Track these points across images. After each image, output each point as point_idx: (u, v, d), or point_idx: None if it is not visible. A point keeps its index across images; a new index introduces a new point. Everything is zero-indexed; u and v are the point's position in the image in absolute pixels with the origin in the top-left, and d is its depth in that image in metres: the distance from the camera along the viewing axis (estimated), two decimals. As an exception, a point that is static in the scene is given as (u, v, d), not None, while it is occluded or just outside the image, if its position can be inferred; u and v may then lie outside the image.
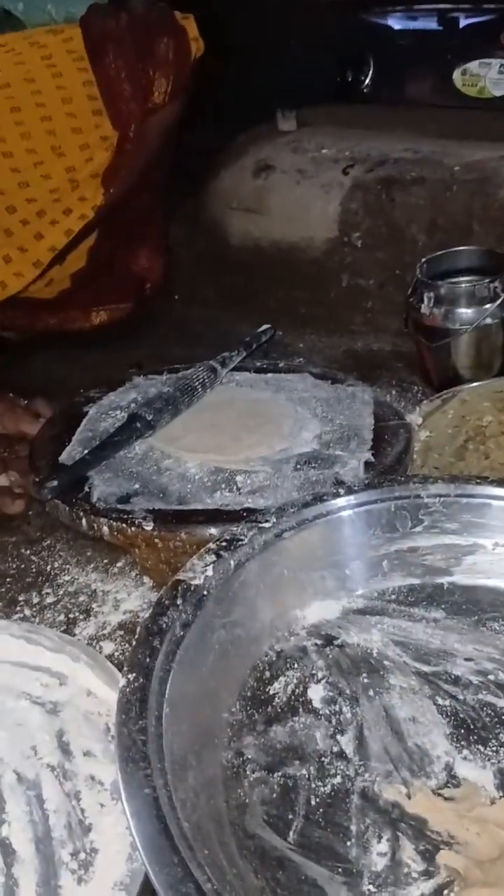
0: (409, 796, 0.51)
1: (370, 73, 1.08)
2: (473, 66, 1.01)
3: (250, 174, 1.11)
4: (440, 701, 0.57)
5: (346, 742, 0.54)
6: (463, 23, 1.03)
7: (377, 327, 1.05)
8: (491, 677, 0.59)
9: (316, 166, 1.07)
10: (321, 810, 0.50)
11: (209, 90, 0.97)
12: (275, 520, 0.63)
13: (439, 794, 0.51)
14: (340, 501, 0.66)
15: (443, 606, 0.64)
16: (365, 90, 1.08)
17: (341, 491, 0.67)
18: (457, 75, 1.01)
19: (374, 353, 1.05)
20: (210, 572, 0.57)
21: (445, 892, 0.46)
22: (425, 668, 0.60)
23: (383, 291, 1.05)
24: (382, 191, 1.02)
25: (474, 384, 0.89)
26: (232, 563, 0.59)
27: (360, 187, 1.04)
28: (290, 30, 1.16)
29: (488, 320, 0.87)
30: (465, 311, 0.87)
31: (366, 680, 0.58)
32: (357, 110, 1.15)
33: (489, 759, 0.53)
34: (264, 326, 0.96)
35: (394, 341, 1.03)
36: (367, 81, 1.08)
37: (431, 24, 1.05)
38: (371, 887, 0.46)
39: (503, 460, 0.81)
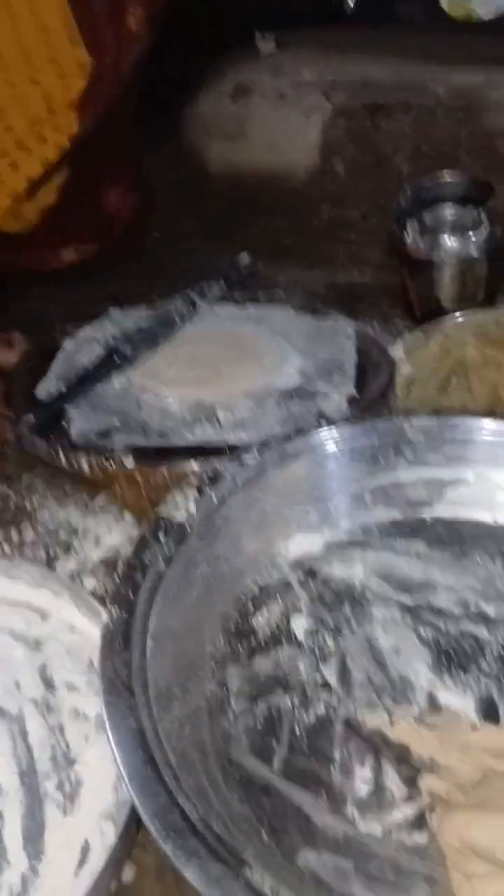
0: (391, 724, 0.52)
1: (353, -8, 1.04)
2: (460, -15, 0.97)
3: (228, 99, 1.07)
4: (422, 631, 0.58)
5: (330, 672, 0.55)
6: None
7: (360, 259, 1.03)
8: (472, 608, 0.59)
9: (297, 90, 1.04)
10: (305, 739, 0.50)
11: (186, 11, 0.93)
12: (258, 455, 0.62)
13: (422, 722, 0.52)
14: (324, 436, 0.65)
15: (425, 539, 0.64)
16: (348, 11, 1.04)
17: (324, 426, 0.66)
18: (443, -5, 0.98)
19: (357, 286, 1.03)
20: (192, 508, 0.57)
21: (427, 815, 0.47)
22: (407, 600, 0.60)
23: (366, 222, 1.03)
24: (366, 117, 0.99)
25: (457, 316, 0.88)
26: (215, 498, 0.58)
27: (343, 113, 1.01)
28: None
29: (472, 251, 0.85)
30: (449, 243, 0.85)
31: (349, 612, 0.59)
32: (340, 32, 1.11)
33: (470, 687, 0.54)
34: (242, 254, 0.93)
35: (377, 274, 1.01)
36: (350, 2, 1.04)
37: None
38: (355, 812, 0.47)
39: (487, 392, 0.81)
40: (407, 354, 0.86)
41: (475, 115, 0.92)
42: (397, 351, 0.85)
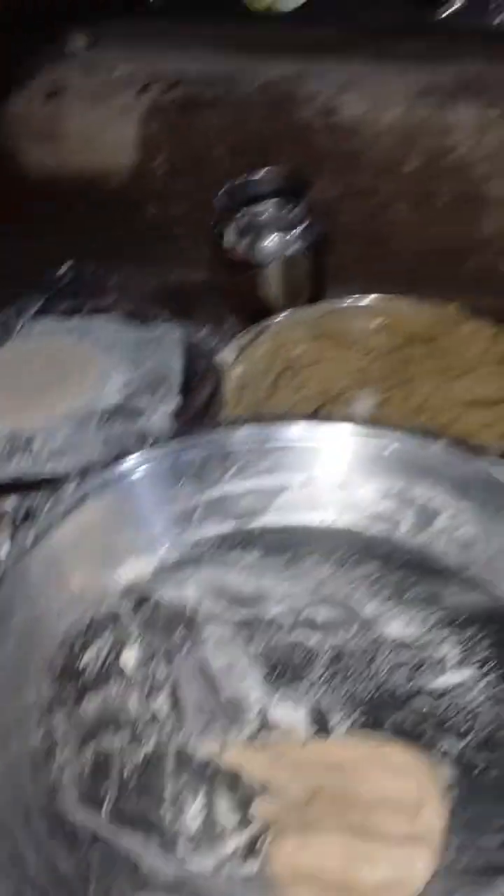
0: (222, 750, 0.52)
1: (157, -16, 1.01)
2: (262, -24, 0.96)
3: (41, 100, 1.03)
4: (253, 647, 0.57)
5: (160, 703, 0.54)
6: None
7: (190, 258, 1.02)
8: (302, 616, 0.60)
9: (110, 88, 1.01)
10: (136, 779, 0.50)
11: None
12: (76, 484, 0.61)
13: (253, 743, 0.52)
14: (146, 456, 0.64)
15: (256, 549, 0.64)
16: (153, 3, 1.02)
17: (146, 446, 0.65)
18: (246, -13, 0.97)
19: (188, 286, 1.02)
20: (3, 552, 0.54)
21: (259, 841, 0.47)
22: (239, 615, 0.60)
23: (192, 219, 1.01)
24: (180, 113, 0.98)
25: (285, 314, 0.88)
26: (30, 538, 0.56)
27: (158, 110, 0.99)
28: None
29: (292, 249, 0.85)
30: (269, 242, 0.85)
31: (180, 635, 0.58)
32: (153, 25, 1.08)
33: (301, 700, 0.54)
34: (65, 265, 0.90)
35: (209, 272, 1.00)
36: (155, -7, 1.02)
37: None
38: (187, 849, 0.47)
39: (318, 389, 0.82)
40: (238, 356, 0.86)
41: (288, 108, 0.92)
42: (227, 354, 0.85)
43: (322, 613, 0.60)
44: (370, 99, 0.89)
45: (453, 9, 0.85)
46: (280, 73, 0.96)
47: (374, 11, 0.90)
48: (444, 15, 0.86)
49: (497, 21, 0.84)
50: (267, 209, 0.88)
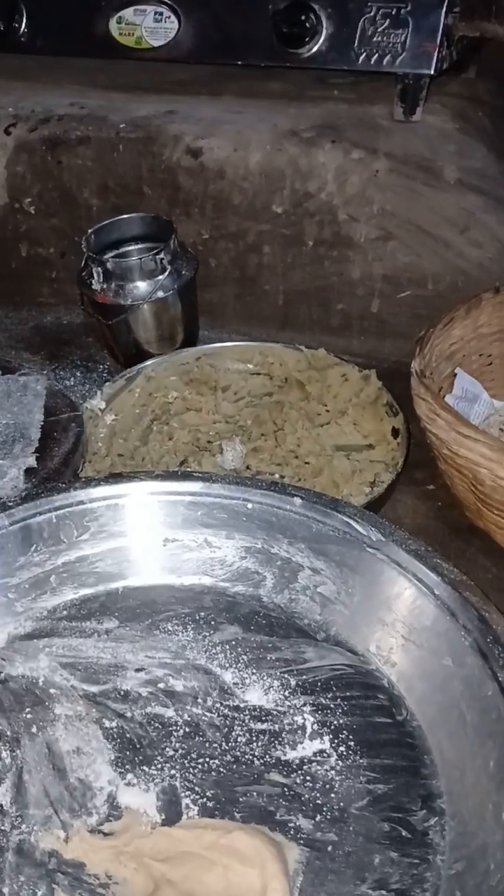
0: (67, 840, 0.49)
1: (23, 20, 0.98)
2: (128, 13, 0.94)
3: None
4: (107, 723, 0.55)
5: (3, 793, 0.51)
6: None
7: (65, 298, 0.99)
8: (161, 685, 0.58)
9: (-25, 126, 0.98)
10: (-30, 881, 0.47)
11: None
12: None
13: (100, 831, 0.50)
14: (-5, 521, 0.62)
15: (116, 614, 0.62)
16: (22, 39, 0.99)
17: (-4, 508, 0.62)
18: (113, 24, 0.95)
19: (63, 328, 0.99)
20: None
21: (100, 942, 0.45)
22: (93, 689, 0.57)
23: (65, 260, 0.99)
24: (48, 152, 0.95)
25: (158, 359, 0.87)
26: None
27: (25, 148, 0.96)
28: None
29: (160, 293, 0.83)
30: (137, 285, 0.83)
31: (29, 715, 0.55)
32: (21, 61, 1.05)
33: (153, 780, 0.52)
34: None
35: (83, 314, 0.97)
36: (22, 29, 0.99)
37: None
38: None
39: (186, 440, 0.80)
40: (109, 403, 0.84)
41: (154, 147, 0.91)
42: (96, 401, 0.83)
43: (181, 683, 0.58)
44: (236, 140, 0.88)
45: (316, 49, 0.85)
46: (147, 112, 0.94)
47: (241, 50, 0.89)
48: (308, 55, 0.85)
49: (360, 62, 0.84)
50: (134, 253, 0.86)
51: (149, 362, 0.86)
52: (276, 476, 0.74)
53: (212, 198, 0.90)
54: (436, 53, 0.81)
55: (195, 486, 0.65)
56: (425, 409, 0.63)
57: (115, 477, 0.66)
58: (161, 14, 0.94)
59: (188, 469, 0.72)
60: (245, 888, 0.45)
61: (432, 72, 0.82)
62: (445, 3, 0.79)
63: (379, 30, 0.83)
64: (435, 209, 0.83)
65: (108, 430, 0.82)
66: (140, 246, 0.86)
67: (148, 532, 0.65)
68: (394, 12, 0.80)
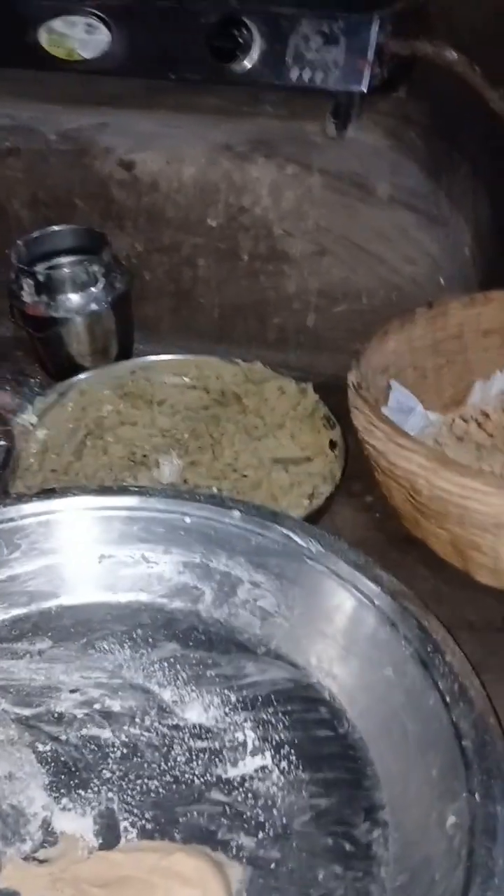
0: (1, 868, 0.47)
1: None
2: (58, 23, 0.93)
3: None
4: (40, 747, 0.53)
5: None
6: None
7: (-5, 312, 0.97)
8: (97, 706, 0.56)
9: None
10: None
11: None
12: None
13: (34, 858, 0.48)
14: None
15: (49, 634, 0.60)
16: None
17: None
18: (43, 35, 0.93)
19: (-6, 342, 0.97)
20: None
21: None
22: (26, 712, 0.55)
23: (-5, 273, 0.96)
24: (-23, 162, 0.93)
25: (92, 372, 0.85)
26: None
27: (-47, 160, 0.94)
28: None
29: (93, 306, 0.82)
30: (69, 298, 0.82)
31: (-41, 741, 0.53)
32: None
33: (90, 804, 0.51)
34: None
35: (14, 325, 0.95)
36: None
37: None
38: None
39: (121, 454, 0.78)
40: (41, 418, 0.82)
41: (85, 159, 0.89)
42: (28, 416, 0.81)
43: (118, 703, 0.56)
44: (169, 153, 0.87)
45: (250, 65, 0.85)
46: (80, 124, 0.93)
47: (173, 64, 0.89)
48: (241, 70, 0.86)
49: (293, 78, 0.84)
50: (66, 265, 0.85)
51: (82, 376, 0.84)
52: (214, 489, 0.73)
53: (145, 211, 0.89)
54: (367, 71, 0.82)
55: (131, 501, 0.64)
56: (363, 420, 0.63)
57: (46, 493, 0.64)
58: (92, 26, 0.93)
59: (124, 483, 0.71)
60: (187, 912, 0.44)
61: (364, 89, 0.83)
62: (378, 22, 0.80)
63: (311, 47, 0.84)
64: (369, 225, 0.84)
65: (40, 445, 0.80)
66: (73, 258, 0.85)
67: (82, 549, 0.63)
68: (326, 30, 0.81)
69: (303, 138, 0.88)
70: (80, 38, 0.93)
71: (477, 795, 0.43)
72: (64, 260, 0.85)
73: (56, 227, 0.86)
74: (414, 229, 0.84)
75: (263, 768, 0.52)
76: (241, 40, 0.85)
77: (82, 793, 0.51)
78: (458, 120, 0.92)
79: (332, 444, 0.76)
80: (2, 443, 0.72)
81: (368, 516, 0.73)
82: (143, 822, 0.49)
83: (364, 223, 0.84)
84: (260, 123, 0.89)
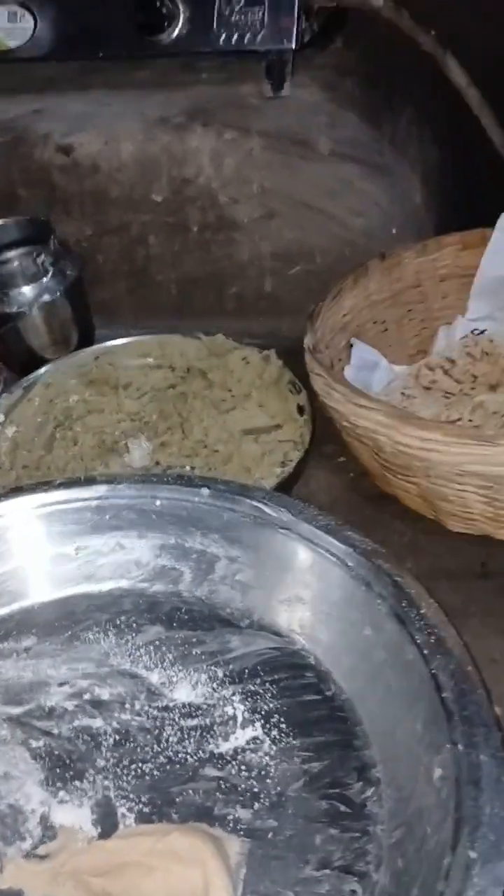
0: (1, 870, 0.47)
1: None
2: (-20, 14, 0.91)
3: None
4: (34, 743, 0.54)
5: None
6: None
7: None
8: (86, 696, 0.56)
9: None
10: None
11: None
12: None
13: (35, 854, 0.48)
14: None
15: (34, 630, 0.60)
16: None
17: None
18: (-33, 24, 0.92)
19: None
20: None
21: None
22: (16, 711, 0.56)
23: None
24: None
25: (54, 363, 0.85)
26: None
27: None
28: None
29: (47, 296, 0.81)
30: (21, 291, 0.81)
31: (-49, 747, 0.53)
32: None
33: (86, 794, 0.51)
34: None
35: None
36: None
37: None
38: None
39: (91, 443, 0.78)
40: (8, 415, 0.81)
41: (23, 148, 0.88)
42: (-2, 413, 0.80)
43: (107, 691, 0.56)
44: (107, 132, 0.86)
45: (177, 34, 0.84)
46: (14, 113, 0.91)
47: (101, 43, 0.87)
48: (169, 41, 0.84)
49: (221, 43, 0.83)
50: (13, 258, 0.84)
51: (45, 368, 0.84)
52: (187, 468, 0.73)
53: (89, 193, 0.88)
54: (295, 28, 0.81)
55: (100, 490, 0.63)
56: (321, 384, 0.63)
57: (15, 491, 0.64)
58: (15, 14, 0.91)
59: (92, 473, 0.71)
60: (186, 889, 0.44)
61: (294, 46, 0.81)
62: (299, -24, 0.79)
63: (236, 9, 0.82)
64: (313, 182, 0.83)
65: (9, 443, 0.80)
66: (20, 251, 0.84)
67: (57, 543, 0.63)
68: (249, -10, 0.80)
69: (239, 102, 0.86)
70: (4, 27, 0.91)
71: (460, 745, 0.43)
72: (11, 253, 0.84)
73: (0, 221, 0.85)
74: (359, 181, 0.83)
75: (255, 739, 0.52)
76: (164, 11, 0.83)
77: (78, 784, 0.51)
78: (397, 66, 0.90)
79: (301, 409, 0.76)
80: (-32, 446, 0.71)
81: (342, 477, 0.73)
82: (140, 805, 0.50)
83: (308, 180, 0.83)
84: (195, 92, 0.88)
